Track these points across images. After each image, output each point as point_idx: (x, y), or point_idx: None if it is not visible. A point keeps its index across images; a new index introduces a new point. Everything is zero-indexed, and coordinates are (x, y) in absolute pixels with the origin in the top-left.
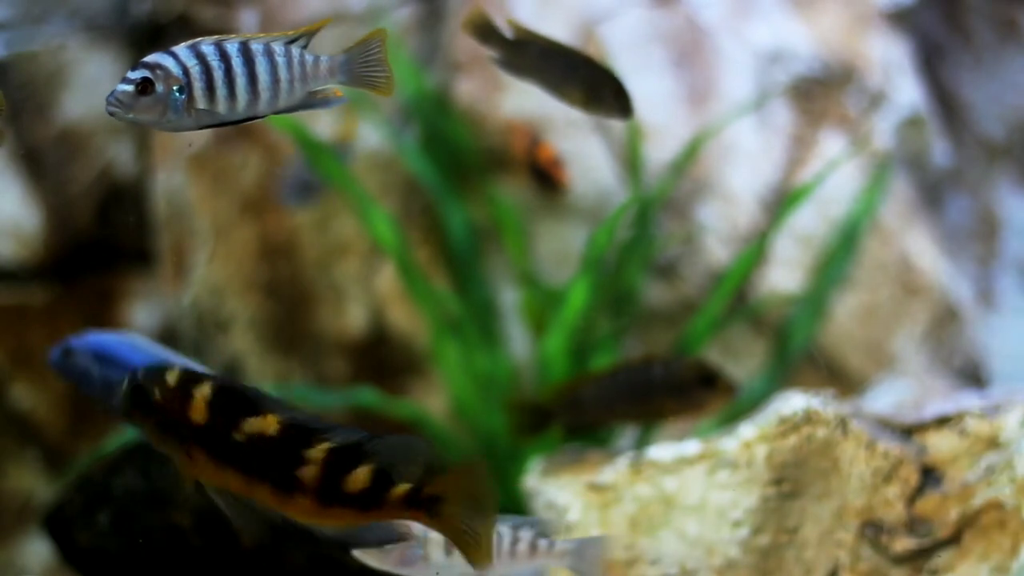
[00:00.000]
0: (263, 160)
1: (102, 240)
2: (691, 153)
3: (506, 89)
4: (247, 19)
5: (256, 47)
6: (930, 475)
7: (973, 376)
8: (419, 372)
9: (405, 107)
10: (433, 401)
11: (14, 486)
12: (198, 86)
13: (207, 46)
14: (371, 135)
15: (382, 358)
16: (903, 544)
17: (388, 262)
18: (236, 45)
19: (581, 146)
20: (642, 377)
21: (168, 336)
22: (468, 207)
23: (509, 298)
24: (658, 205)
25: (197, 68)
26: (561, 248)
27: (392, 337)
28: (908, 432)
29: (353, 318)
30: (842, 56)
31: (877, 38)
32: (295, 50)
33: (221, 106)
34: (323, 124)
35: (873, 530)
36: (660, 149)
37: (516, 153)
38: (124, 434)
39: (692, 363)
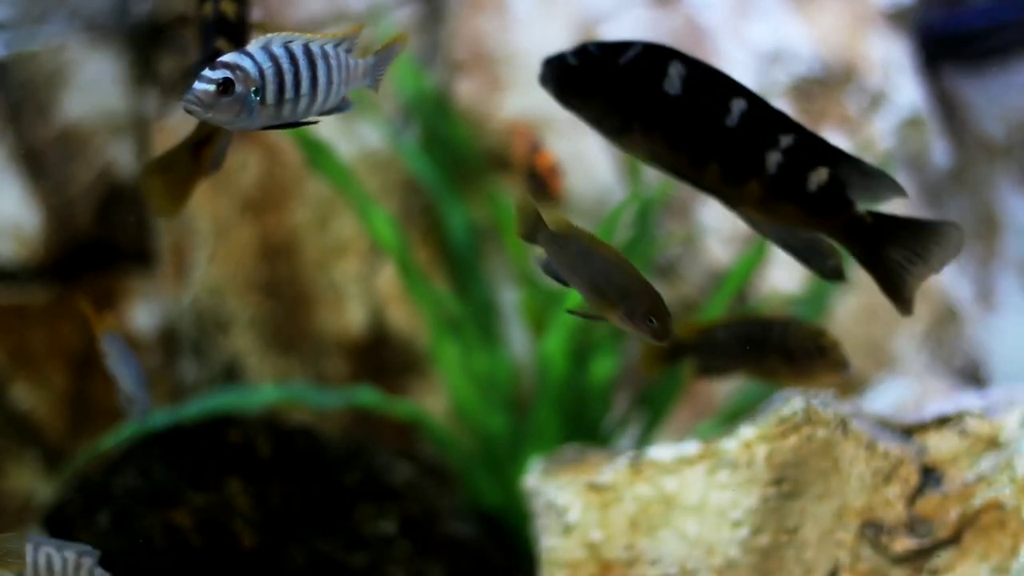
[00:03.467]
0: (263, 160)
1: (102, 240)
2: None
3: (506, 89)
4: None
5: (315, 49)
6: (930, 475)
7: (973, 376)
8: (419, 372)
9: (405, 107)
10: (433, 401)
11: (14, 486)
12: (271, 88)
13: (278, 47)
14: (371, 135)
15: (382, 358)
16: (903, 544)
17: (388, 262)
18: (300, 47)
19: (581, 146)
20: (762, 334)
21: (168, 336)
22: (468, 207)
23: (509, 298)
24: (658, 205)
25: (271, 70)
26: None
27: (392, 337)
28: (908, 432)
29: (353, 318)
30: (842, 56)
31: (877, 38)
32: (342, 53)
33: (286, 108)
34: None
35: (873, 530)
36: None
37: (516, 156)
38: (122, 433)
39: (807, 330)
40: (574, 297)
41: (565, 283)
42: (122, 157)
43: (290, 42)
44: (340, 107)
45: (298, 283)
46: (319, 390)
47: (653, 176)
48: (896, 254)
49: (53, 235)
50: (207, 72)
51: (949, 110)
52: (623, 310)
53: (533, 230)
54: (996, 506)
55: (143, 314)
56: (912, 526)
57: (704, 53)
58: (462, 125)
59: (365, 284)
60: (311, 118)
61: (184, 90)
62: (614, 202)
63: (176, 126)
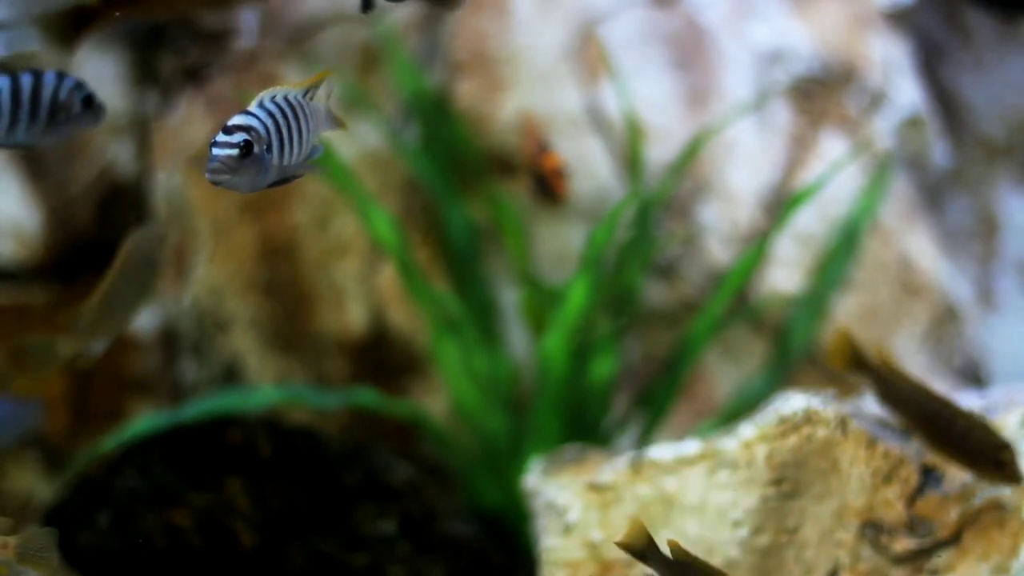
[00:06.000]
0: None
1: (102, 240)
2: (691, 153)
3: (506, 89)
4: (247, 19)
5: (293, 100)
6: (930, 475)
7: (973, 376)
8: (419, 372)
9: (405, 107)
10: (433, 401)
11: (14, 486)
12: (275, 145)
13: (270, 103)
14: (371, 135)
15: (382, 358)
16: (903, 544)
17: (388, 262)
18: (283, 100)
19: (582, 146)
20: (945, 421)
21: (168, 336)
22: (468, 207)
23: (509, 298)
24: (658, 205)
25: (273, 126)
26: (561, 248)
27: (392, 337)
28: (908, 432)
29: (353, 318)
30: (842, 56)
31: (877, 38)
32: (309, 101)
33: (284, 162)
34: None
35: (873, 530)
36: (660, 149)
37: (525, 156)
38: (123, 434)
39: (990, 441)
40: (575, 297)
41: None
42: (122, 157)
43: (274, 97)
44: (313, 153)
45: (298, 283)
46: (319, 390)
47: (653, 176)
48: None
49: (53, 235)
50: (224, 137)
51: (949, 110)
52: None
53: (644, 552)
54: (996, 506)
55: (143, 314)
56: (912, 526)
57: (704, 53)
58: (462, 125)
59: (365, 284)
60: (299, 171)
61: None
62: (614, 202)
63: (176, 126)
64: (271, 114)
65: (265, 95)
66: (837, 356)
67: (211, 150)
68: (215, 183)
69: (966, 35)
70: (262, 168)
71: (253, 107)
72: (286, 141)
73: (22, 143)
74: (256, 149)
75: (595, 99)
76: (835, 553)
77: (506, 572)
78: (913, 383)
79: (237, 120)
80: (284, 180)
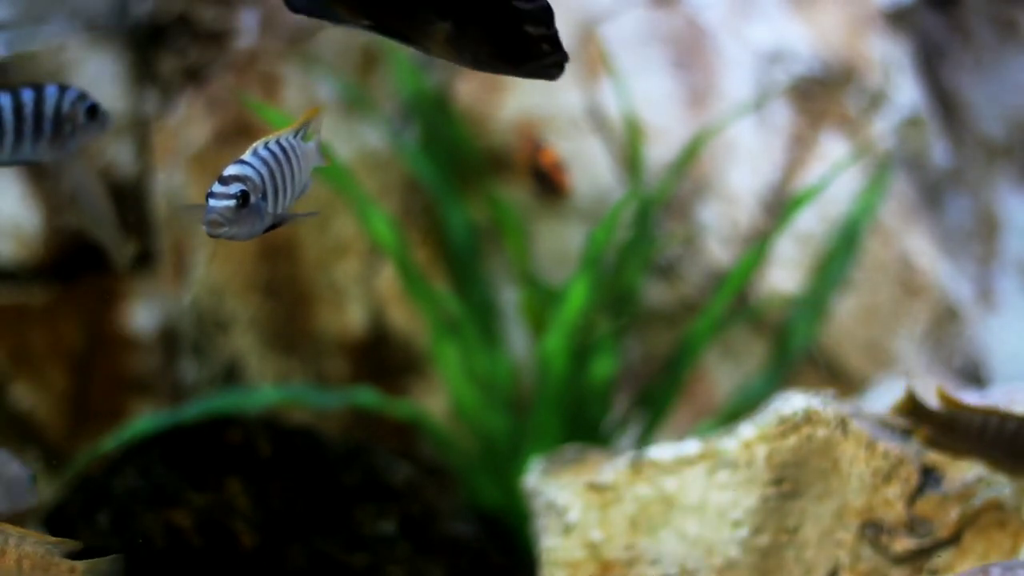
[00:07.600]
0: None
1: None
2: (691, 153)
3: (506, 89)
4: (247, 19)
5: (284, 144)
6: (930, 475)
7: (973, 376)
8: (419, 372)
9: (405, 107)
10: (433, 401)
11: None
12: (270, 192)
13: (263, 150)
14: (371, 135)
15: (382, 358)
16: (903, 544)
17: (388, 262)
18: (275, 145)
19: (581, 146)
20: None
21: (168, 336)
22: (468, 207)
23: (509, 298)
24: (658, 205)
25: (267, 173)
26: (561, 248)
27: (392, 337)
28: (908, 432)
29: (353, 318)
30: (842, 56)
31: (877, 38)
32: (300, 141)
33: (279, 207)
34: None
35: (873, 530)
36: (660, 149)
37: (519, 157)
38: (123, 433)
39: None
40: (575, 297)
41: None
42: (122, 157)
43: (267, 143)
44: (303, 190)
45: (298, 283)
46: (319, 390)
47: (653, 176)
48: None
49: (53, 235)
50: (220, 188)
51: (949, 110)
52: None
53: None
54: (996, 506)
55: (143, 314)
56: (912, 526)
57: (704, 53)
58: (462, 125)
59: (365, 284)
60: (289, 213)
61: None
62: (614, 202)
63: (176, 126)
64: (265, 161)
65: (259, 143)
66: (900, 410)
67: (208, 202)
68: (213, 235)
69: (966, 35)
70: (259, 216)
71: (247, 155)
72: (279, 186)
73: (29, 159)
74: (252, 199)
75: (595, 99)
76: (835, 553)
77: (506, 572)
78: (983, 411)
79: (232, 170)
80: (278, 224)
